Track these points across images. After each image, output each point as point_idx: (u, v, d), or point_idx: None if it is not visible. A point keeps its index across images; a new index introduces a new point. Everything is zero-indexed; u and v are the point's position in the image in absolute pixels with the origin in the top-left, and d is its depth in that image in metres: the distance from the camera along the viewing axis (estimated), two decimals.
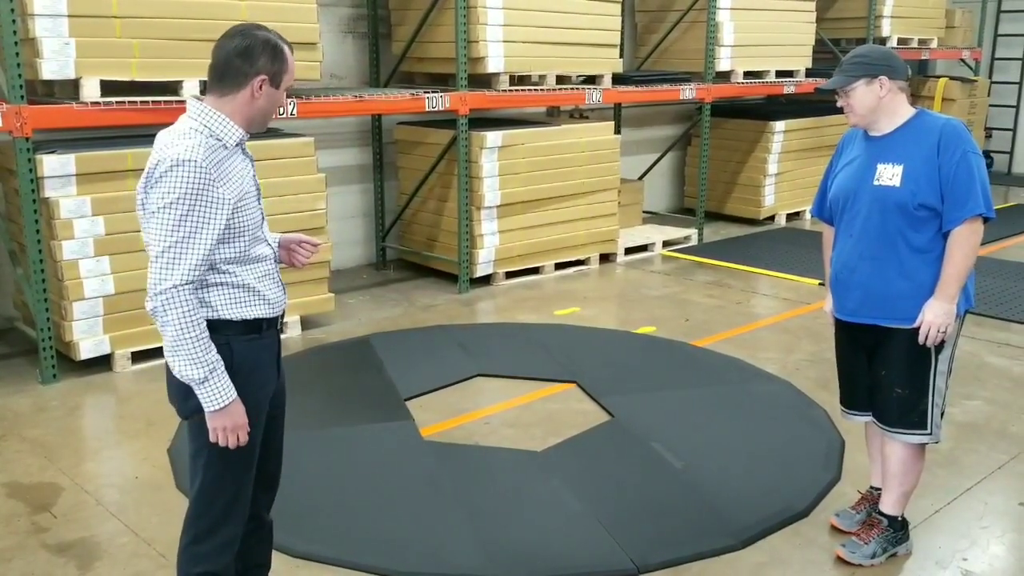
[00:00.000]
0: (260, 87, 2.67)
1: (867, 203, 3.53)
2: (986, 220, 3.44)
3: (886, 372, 3.62)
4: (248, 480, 2.83)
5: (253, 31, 2.69)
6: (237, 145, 2.70)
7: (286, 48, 2.72)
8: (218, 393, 2.60)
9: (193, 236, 2.54)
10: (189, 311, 2.54)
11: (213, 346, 2.60)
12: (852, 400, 3.84)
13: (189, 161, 2.52)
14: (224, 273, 2.67)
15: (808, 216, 10.92)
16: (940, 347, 3.53)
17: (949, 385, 3.67)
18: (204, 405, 2.61)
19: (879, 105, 3.52)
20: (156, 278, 2.54)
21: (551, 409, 5.30)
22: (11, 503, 4.20)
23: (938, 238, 3.46)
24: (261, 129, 2.81)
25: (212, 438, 2.66)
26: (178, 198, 2.51)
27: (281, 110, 6.25)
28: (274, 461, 3.05)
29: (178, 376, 2.59)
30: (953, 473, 4.49)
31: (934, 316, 3.44)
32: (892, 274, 3.51)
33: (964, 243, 3.41)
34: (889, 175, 3.48)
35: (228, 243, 2.65)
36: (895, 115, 3.54)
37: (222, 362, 2.62)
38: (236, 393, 2.64)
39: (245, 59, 2.65)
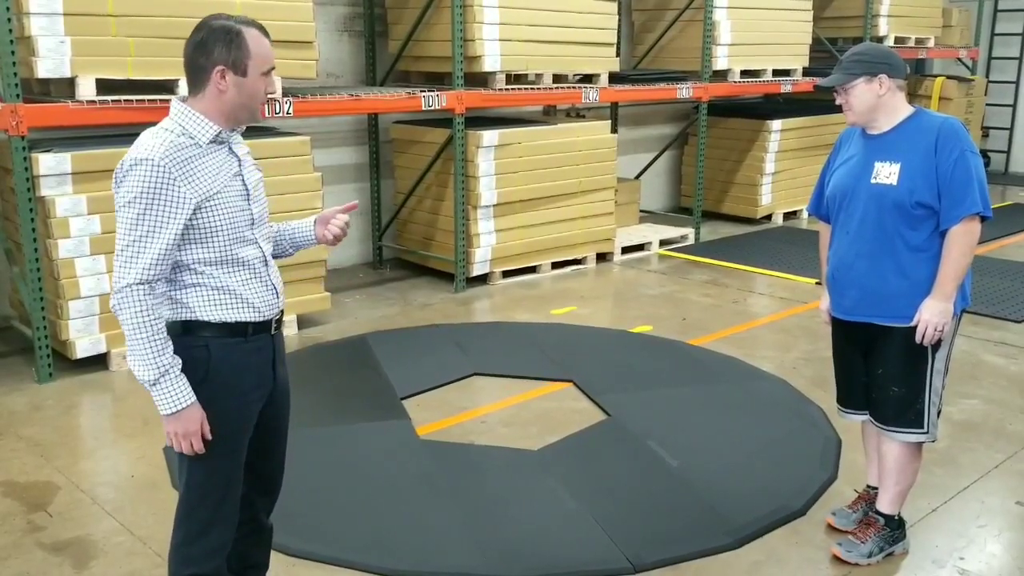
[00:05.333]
0: (222, 78, 2.60)
1: (864, 201, 3.52)
2: (984, 219, 3.43)
3: (882, 370, 3.62)
4: (235, 483, 2.79)
5: (210, 21, 2.62)
6: (213, 142, 2.65)
7: (248, 31, 2.61)
8: (169, 397, 2.55)
9: (150, 235, 2.51)
10: (142, 311, 2.50)
11: (169, 348, 2.55)
12: (849, 399, 3.84)
13: (146, 160, 2.50)
14: (200, 274, 2.62)
15: (805, 215, 10.91)
16: (937, 346, 3.53)
17: (946, 384, 3.66)
18: (158, 407, 2.57)
19: (878, 103, 3.51)
20: (115, 276, 2.53)
21: (547, 408, 5.29)
22: (7, 502, 4.19)
23: (935, 236, 3.45)
24: (251, 121, 2.74)
25: (167, 442, 2.63)
26: (135, 197, 2.49)
27: (278, 108, 6.25)
28: (274, 466, 3.02)
29: (135, 376, 2.55)
30: (950, 472, 4.49)
31: (931, 315, 3.43)
32: (889, 272, 3.50)
33: (961, 242, 3.40)
34: (887, 173, 3.48)
35: (200, 243, 2.60)
36: (894, 113, 3.54)
37: (178, 365, 2.57)
38: (193, 399, 2.58)
39: (201, 53, 2.60)
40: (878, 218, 3.49)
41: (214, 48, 2.59)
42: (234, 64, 2.60)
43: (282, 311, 2.86)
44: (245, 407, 2.75)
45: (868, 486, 4.02)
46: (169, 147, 2.54)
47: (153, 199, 2.50)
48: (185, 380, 2.58)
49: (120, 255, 2.52)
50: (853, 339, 3.71)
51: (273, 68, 2.70)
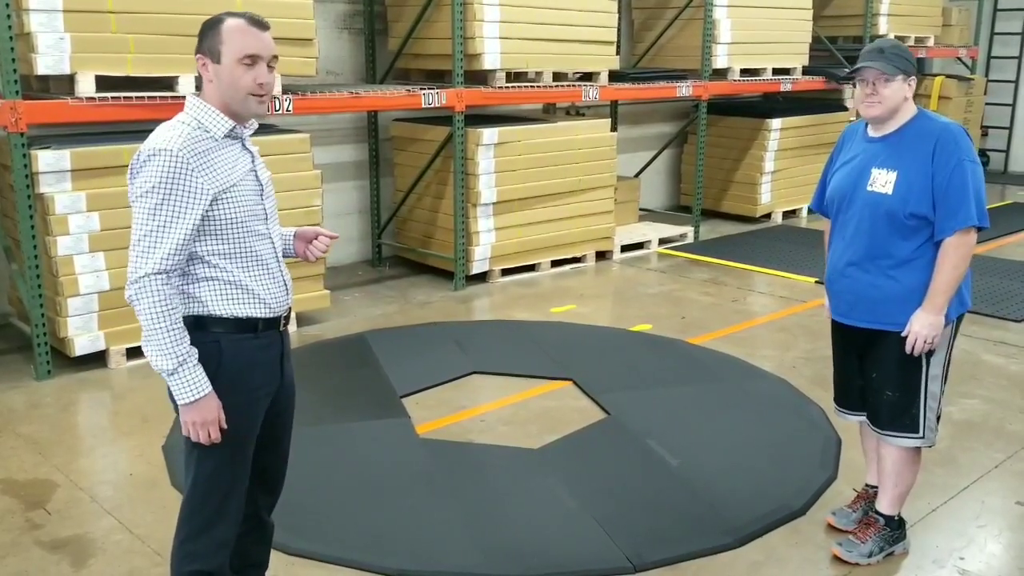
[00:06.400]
0: (203, 67, 2.65)
1: (859, 208, 3.50)
2: (980, 229, 3.38)
3: (877, 375, 3.60)
4: (241, 479, 2.80)
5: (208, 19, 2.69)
6: (228, 136, 2.68)
7: (230, 20, 2.62)
8: (188, 386, 2.56)
9: (168, 225, 2.53)
10: (160, 300, 2.52)
11: (186, 338, 2.57)
12: (845, 400, 3.84)
13: (164, 150, 2.52)
14: (214, 267, 2.64)
15: (804, 214, 10.93)
16: (931, 351, 3.49)
17: (945, 390, 3.63)
18: (176, 397, 2.58)
19: (903, 104, 3.45)
20: (132, 267, 2.54)
21: (547, 407, 5.29)
22: (5, 500, 4.18)
23: (929, 244, 3.41)
24: (249, 113, 2.70)
25: (184, 432, 2.63)
26: (153, 187, 2.52)
27: (277, 105, 6.24)
28: (278, 464, 3.02)
29: (152, 366, 2.57)
30: (950, 472, 4.48)
31: (921, 327, 3.40)
32: (881, 279, 3.48)
33: (954, 254, 3.35)
34: (883, 181, 3.44)
35: (216, 235, 2.62)
36: (902, 115, 3.49)
37: (195, 355, 2.58)
38: (210, 388, 2.60)
39: (196, 46, 2.68)
40: (871, 226, 3.46)
41: (199, 39, 2.66)
42: (210, 52, 2.64)
43: (290, 308, 2.87)
44: (253, 404, 2.76)
45: (867, 485, 4.01)
46: (187, 139, 2.57)
47: (171, 189, 2.52)
48: (202, 369, 2.60)
49: (136, 245, 2.54)
50: (850, 341, 3.69)
51: (254, 56, 2.64)
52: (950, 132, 3.40)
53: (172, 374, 2.55)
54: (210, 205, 2.58)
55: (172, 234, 2.53)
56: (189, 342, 2.58)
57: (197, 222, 2.56)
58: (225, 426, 2.65)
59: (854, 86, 3.55)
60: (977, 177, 3.38)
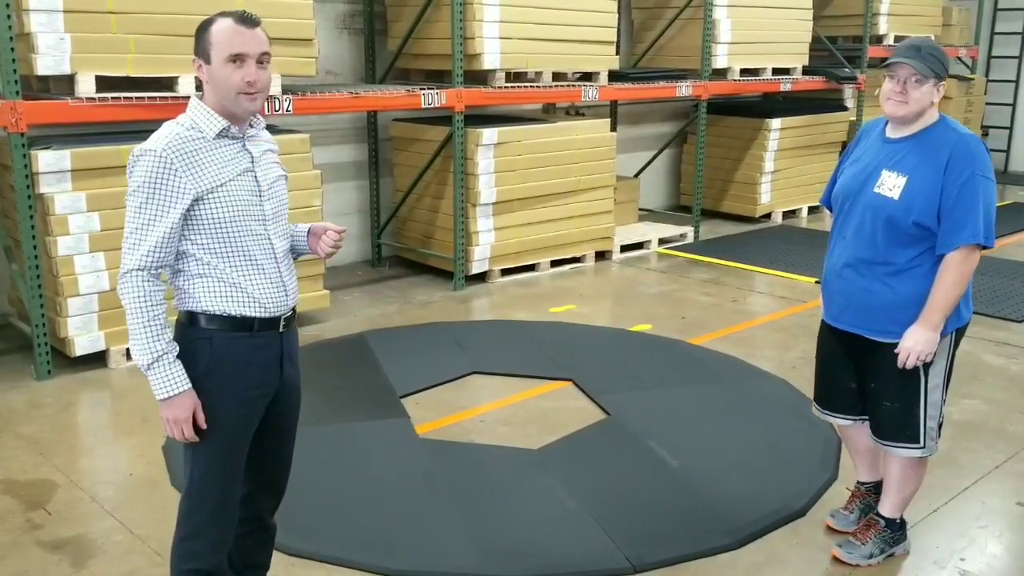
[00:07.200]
0: (199, 69, 2.68)
1: (862, 209, 3.44)
2: (985, 248, 3.34)
3: (875, 385, 3.56)
4: (236, 478, 2.80)
5: None
6: (223, 136, 2.68)
7: (219, 20, 2.64)
8: (163, 382, 2.59)
9: (150, 223, 2.58)
10: (141, 296, 2.57)
11: (166, 334, 2.60)
12: (829, 403, 3.79)
13: (149, 151, 2.58)
14: (205, 265, 2.66)
15: (804, 214, 10.93)
16: (930, 363, 3.44)
17: (946, 399, 3.60)
18: (153, 392, 2.61)
19: (928, 109, 3.38)
20: (121, 262, 2.61)
21: (547, 407, 5.29)
22: (5, 500, 4.18)
23: (928, 254, 3.35)
24: (242, 111, 2.69)
25: (164, 428, 2.67)
26: (138, 187, 2.58)
27: (277, 105, 6.24)
28: (280, 466, 3.02)
29: (134, 359, 2.63)
30: (951, 473, 4.48)
31: (914, 344, 3.34)
32: (876, 285, 3.42)
33: (955, 271, 3.29)
34: (891, 185, 3.36)
35: (205, 234, 2.64)
36: (925, 119, 3.40)
37: (174, 352, 2.62)
38: (188, 387, 2.62)
39: (193, 52, 2.70)
40: (872, 230, 3.40)
41: (195, 42, 2.68)
42: (203, 54, 2.66)
43: (294, 309, 2.86)
44: (247, 403, 2.75)
45: (859, 482, 4.00)
46: (174, 139, 2.60)
47: (155, 189, 2.57)
48: (180, 367, 2.63)
49: (125, 242, 2.61)
50: (843, 345, 3.64)
51: (240, 55, 2.63)
52: (965, 144, 3.31)
53: (148, 369, 2.59)
54: (196, 203, 2.60)
55: (153, 232, 2.58)
56: (169, 339, 2.62)
57: (177, 221, 2.60)
58: (204, 426, 2.66)
59: (882, 80, 3.44)
60: (989, 194, 3.30)
